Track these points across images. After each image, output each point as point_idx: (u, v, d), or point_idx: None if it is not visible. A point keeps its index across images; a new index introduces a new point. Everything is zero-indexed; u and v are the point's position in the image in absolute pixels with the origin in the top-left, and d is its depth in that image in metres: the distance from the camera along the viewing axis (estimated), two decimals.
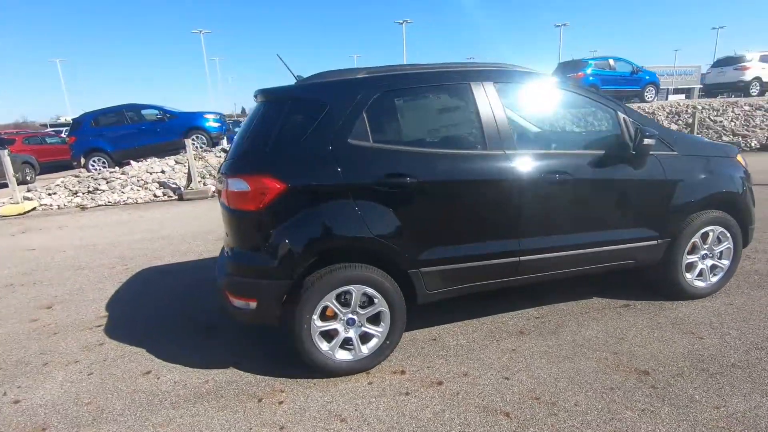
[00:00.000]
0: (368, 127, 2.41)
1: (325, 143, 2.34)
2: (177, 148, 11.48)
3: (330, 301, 2.38)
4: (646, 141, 2.60)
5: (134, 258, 5.02)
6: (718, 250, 3.11)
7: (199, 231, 6.12)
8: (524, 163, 2.56)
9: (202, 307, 3.53)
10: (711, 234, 3.04)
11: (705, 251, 3.08)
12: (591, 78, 14.33)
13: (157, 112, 11.56)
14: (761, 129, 12.69)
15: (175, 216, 7.33)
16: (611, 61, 14.86)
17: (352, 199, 2.34)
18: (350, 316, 2.45)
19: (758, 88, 15.91)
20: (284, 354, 2.72)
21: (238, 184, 2.29)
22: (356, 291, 2.40)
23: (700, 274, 3.11)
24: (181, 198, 8.96)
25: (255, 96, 2.62)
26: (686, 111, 13.35)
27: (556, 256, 2.72)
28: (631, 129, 2.72)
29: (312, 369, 2.47)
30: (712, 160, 3.02)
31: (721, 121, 12.87)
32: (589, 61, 14.59)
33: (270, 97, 2.50)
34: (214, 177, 9.85)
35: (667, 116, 13.42)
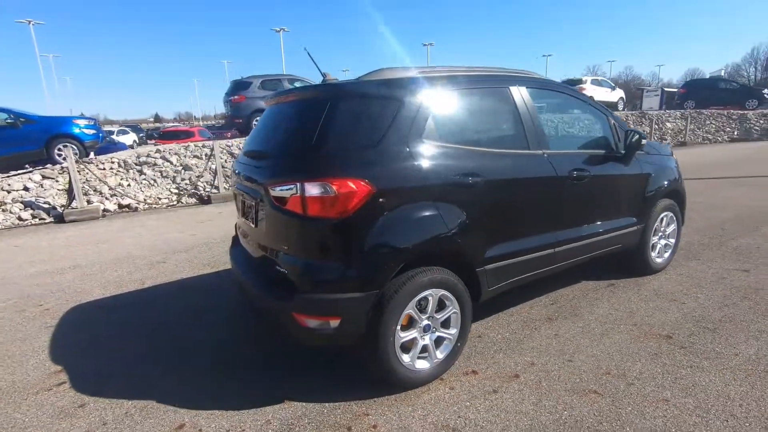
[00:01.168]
0: (435, 126, 2.37)
1: (403, 143, 2.23)
2: (35, 161, 9.38)
3: (412, 309, 2.26)
4: (643, 141, 3.09)
5: (46, 296, 3.96)
6: (669, 231, 3.82)
7: (117, 257, 5.11)
8: (557, 162, 2.80)
9: (196, 339, 2.98)
10: (665, 218, 3.71)
11: (661, 233, 3.75)
12: None
13: (6, 116, 9.21)
14: None
15: (68, 242, 5.97)
16: None
17: (432, 201, 2.27)
18: (426, 322, 2.36)
19: None
20: (333, 374, 2.49)
21: (321, 189, 2.03)
22: (434, 295, 2.32)
23: (659, 252, 3.77)
24: (61, 220, 7.33)
25: (305, 91, 2.38)
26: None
27: (577, 245, 3.03)
28: (619, 132, 3.20)
29: (391, 384, 2.31)
30: (663, 157, 3.70)
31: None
32: None
33: (341, 93, 2.26)
34: (102, 193, 8.31)
35: None
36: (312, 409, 2.23)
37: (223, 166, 9.22)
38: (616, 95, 20.75)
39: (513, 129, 2.74)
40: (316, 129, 2.16)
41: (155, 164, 9.57)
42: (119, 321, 3.37)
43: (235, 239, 3.15)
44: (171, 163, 9.68)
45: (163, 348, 2.91)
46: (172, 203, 8.67)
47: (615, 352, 2.62)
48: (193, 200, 8.94)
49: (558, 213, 2.87)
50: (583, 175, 2.93)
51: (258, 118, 8.27)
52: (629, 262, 3.69)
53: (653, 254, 3.69)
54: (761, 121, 19.89)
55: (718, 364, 2.44)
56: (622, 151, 3.22)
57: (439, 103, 2.43)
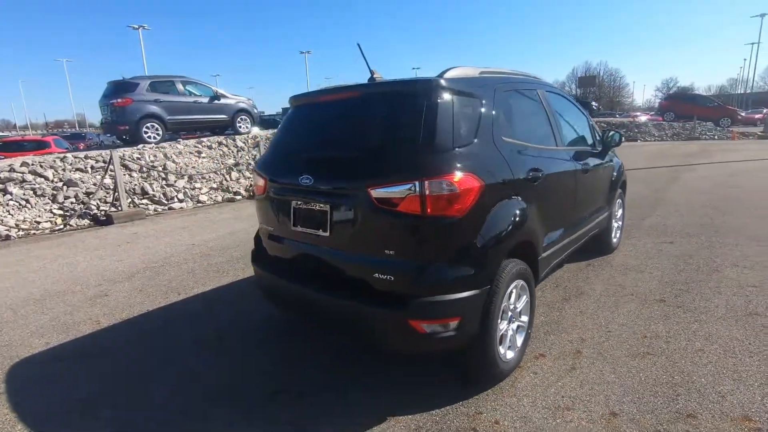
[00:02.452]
0: (507, 124, 2.48)
1: (491, 140, 2.28)
2: None
3: (505, 301, 2.31)
4: (622, 140, 3.64)
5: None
6: (619, 214, 4.54)
7: (31, 296, 4.04)
8: (573, 157, 3.15)
9: (240, 374, 2.56)
10: (618, 204, 4.41)
11: (616, 217, 4.44)
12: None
13: None
14: None
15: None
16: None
17: (515, 195, 2.36)
18: (510, 312, 2.43)
19: None
20: (412, 382, 2.41)
21: (444, 186, 1.95)
22: (517, 286, 2.41)
23: (614, 233, 4.45)
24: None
25: (383, 87, 2.26)
26: None
27: (582, 231, 3.43)
28: (598, 131, 3.73)
29: (490, 378, 2.33)
30: (614, 154, 4.39)
31: None
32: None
33: (440, 90, 2.18)
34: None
35: None
36: (424, 419, 2.12)
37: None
38: None
39: (547, 127, 2.99)
40: (419, 125, 2.07)
41: (23, 180, 7.72)
42: (106, 371, 2.70)
43: (268, 252, 2.78)
44: (46, 178, 7.92)
45: (202, 391, 2.44)
46: (57, 227, 7.10)
47: (635, 318, 3.03)
48: (86, 222, 7.45)
49: (574, 202, 3.22)
50: (587, 168, 3.34)
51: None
52: (596, 243, 4.29)
53: (612, 234, 4.35)
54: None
55: (711, 316, 3.01)
56: (599, 148, 3.75)
57: (507, 103, 2.55)
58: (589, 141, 3.74)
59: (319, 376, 2.52)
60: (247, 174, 10.34)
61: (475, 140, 2.20)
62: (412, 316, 2.00)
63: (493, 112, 2.37)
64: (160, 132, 10.89)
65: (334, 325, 2.46)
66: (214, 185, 9.62)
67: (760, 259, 4.00)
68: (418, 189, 1.95)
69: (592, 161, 3.60)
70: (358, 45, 2.66)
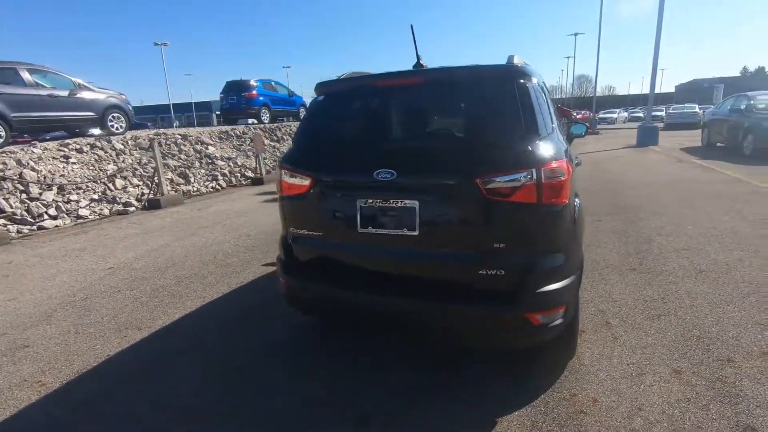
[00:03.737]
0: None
1: (555, 126, 2.32)
2: None
3: None
4: (586, 133, 4.06)
5: None
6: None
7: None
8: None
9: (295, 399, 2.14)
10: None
11: None
12: (261, 98, 15.53)
13: None
14: None
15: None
16: (273, 83, 16.60)
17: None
18: None
19: None
20: (484, 377, 2.37)
21: (557, 173, 1.91)
22: None
23: None
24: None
25: (462, 72, 2.09)
26: None
27: None
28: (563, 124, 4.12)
29: (568, 357, 2.41)
30: None
31: None
32: (258, 82, 15.68)
33: (526, 76, 2.08)
34: None
35: None
36: (532, 415, 2.07)
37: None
38: None
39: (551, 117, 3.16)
40: (518, 112, 1.99)
41: None
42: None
43: (313, 261, 2.40)
44: None
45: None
46: None
47: (626, 286, 3.44)
48: None
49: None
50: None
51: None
52: None
53: None
54: None
55: (676, 276, 3.58)
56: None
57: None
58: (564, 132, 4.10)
59: (395, 394, 2.27)
60: (136, 181, 8.79)
61: (553, 125, 2.22)
62: (529, 309, 1.94)
63: (549, 100, 2.42)
64: (2, 133, 8.56)
65: (428, 332, 2.24)
66: (95, 196, 7.94)
67: (672, 229, 4.89)
68: (534, 177, 1.88)
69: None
70: (411, 27, 2.44)
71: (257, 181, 10.58)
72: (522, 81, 2.08)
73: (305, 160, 2.32)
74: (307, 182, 2.26)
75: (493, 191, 1.91)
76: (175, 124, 42.38)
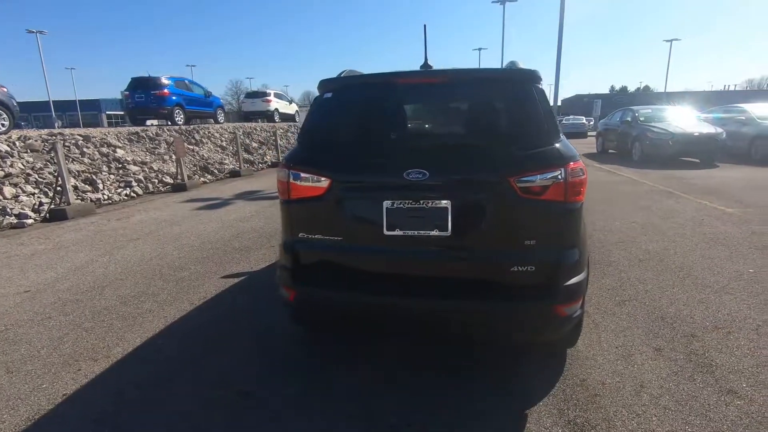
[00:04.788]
0: None
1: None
2: None
3: None
4: None
5: None
6: None
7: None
8: None
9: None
10: None
11: None
12: (174, 97, 14.27)
13: None
14: None
15: None
16: (187, 82, 15.35)
17: None
18: None
19: (278, 116, 21.47)
20: (499, 377, 2.47)
21: (580, 172, 2.01)
22: None
23: None
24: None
25: (478, 73, 2.09)
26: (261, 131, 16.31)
27: None
28: None
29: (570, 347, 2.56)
30: None
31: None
32: (170, 80, 14.35)
33: (537, 79, 2.15)
34: None
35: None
36: (554, 404, 2.17)
37: None
38: (293, 108, 23.48)
39: None
40: (539, 113, 2.07)
41: None
42: None
43: (331, 268, 2.25)
44: None
45: None
46: None
47: (601, 278, 3.77)
48: None
49: None
50: None
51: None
52: None
53: None
54: None
55: (646, 265, 4.02)
56: None
57: None
58: None
59: (418, 400, 2.22)
60: (30, 189, 7.49)
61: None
62: (559, 302, 2.03)
63: None
64: None
65: (457, 331, 2.21)
66: None
67: (603, 224, 5.47)
68: (563, 176, 1.98)
69: None
70: (424, 26, 2.40)
71: (179, 188, 9.67)
72: (539, 85, 2.18)
73: (321, 160, 2.17)
74: (324, 184, 2.11)
75: (526, 190, 1.97)
76: (57, 124, 37.02)
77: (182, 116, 14.50)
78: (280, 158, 15.13)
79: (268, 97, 20.87)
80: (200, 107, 15.67)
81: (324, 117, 2.32)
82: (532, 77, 2.19)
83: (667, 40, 47.51)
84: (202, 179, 11.10)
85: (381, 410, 2.13)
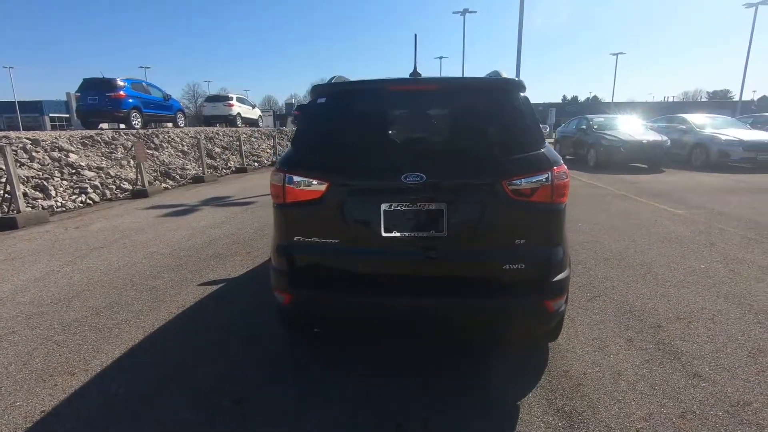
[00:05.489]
0: None
1: None
2: None
3: None
4: None
5: None
6: None
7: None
8: None
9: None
10: None
11: None
12: (131, 100, 13.67)
13: None
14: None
15: None
16: (144, 84, 14.73)
17: None
18: None
19: (241, 120, 21.01)
20: (491, 376, 2.58)
21: (564, 175, 2.17)
22: None
23: None
24: None
25: (471, 83, 2.20)
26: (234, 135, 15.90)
27: None
28: None
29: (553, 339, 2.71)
30: None
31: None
32: (126, 82, 13.71)
33: (522, 88, 2.28)
34: None
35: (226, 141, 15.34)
36: (544, 396, 2.29)
37: None
38: (256, 113, 23.07)
39: None
40: (525, 120, 2.20)
41: None
42: None
43: (327, 271, 2.27)
44: None
45: None
46: None
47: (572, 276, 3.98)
48: None
49: None
50: None
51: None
52: None
53: None
54: None
55: (610, 263, 4.28)
56: None
57: None
58: None
59: (419, 399, 2.28)
60: None
61: None
62: (548, 297, 2.15)
63: None
64: None
65: (457, 330, 2.28)
66: None
67: (569, 226, 5.76)
68: (549, 179, 2.11)
69: None
70: (415, 36, 2.48)
71: (140, 194, 9.25)
72: (524, 94, 2.32)
73: (318, 164, 2.19)
74: (322, 187, 2.14)
75: (516, 192, 2.08)
76: None
77: (140, 120, 13.90)
78: (245, 164, 14.81)
79: (230, 101, 20.40)
80: (159, 110, 15.08)
81: (319, 122, 2.35)
82: (519, 86, 2.32)
83: (614, 54, 50.69)
84: (163, 185, 10.68)
85: (381, 410, 2.17)
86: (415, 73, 2.53)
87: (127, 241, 5.48)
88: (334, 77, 2.56)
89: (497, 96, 2.31)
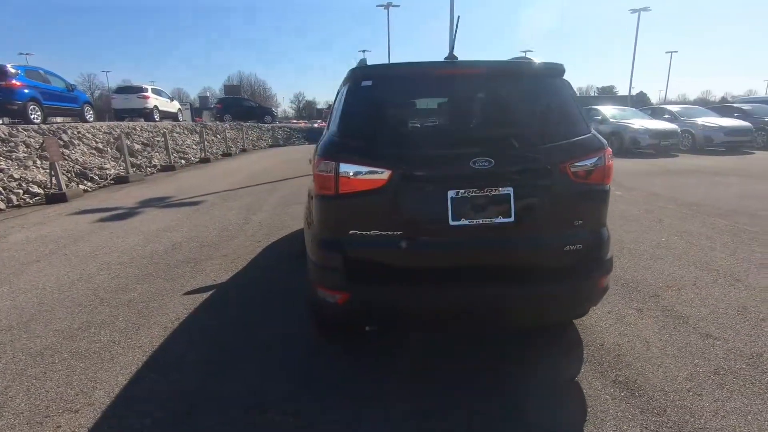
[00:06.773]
0: None
1: None
2: None
3: None
4: None
5: None
6: None
7: None
8: None
9: None
10: None
11: None
12: (27, 90, 11.78)
13: None
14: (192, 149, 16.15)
15: None
16: (42, 72, 12.74)
17: None
18: None
19: (158, 114, 19.15)
20: (531, 362, 2.65)
21: (610, 158, 2.23)
22: None
23: None
24: None
25: (520, 67, 2.17)
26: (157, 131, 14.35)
27: None
28: None
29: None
30: None
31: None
32: (19, 69, 11.73)
33: (563, 71, 2.29)
34: None
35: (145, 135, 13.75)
36: (592, 368, 2.39)
37: None
38: (175, 106, 21.20)
39: None
40: (574, 104, 2.24)
41: None
42: None
43: (391, 264, 2.13)
44: None
45: None
46: None
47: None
48: None
49: None
50: None
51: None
52: None
53: None
54: (279, 132, 26.73)
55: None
56: None
57: None
58: None
59: (454, 396, 2.25)
60: None
61: None
62: (604, 274, 2.24)
63: None
64: None
65: (527, 317, 2.27)
66: None
67: None
68: (603, 160, 2.18)
69: None
70: (458, 17, 2.35)
71: (57, 198, 8.00)
72: (557, 76, 2.35)
73: (376, 151, 2.03)
74: (384, 176, 1.99)
75: (577, 174, 2.12)
76: None
77: (39, 113, 12.03)
78: (172, 161, 13.51)
79: (144, 93, 18.46)
80: (62, 103, 13.17)
81: (366, 106, 2.18)
82: (563, 70, 2.35)
83: (523, 51, 54.66)
84: (82, 187, 9.37)
85: (427, 403, 2.11)
86: (451, 56, 2.46)
87: (68, 251, 4.71)
88: (360, 61, 2.39)
89: (547, 80, 2.32)
